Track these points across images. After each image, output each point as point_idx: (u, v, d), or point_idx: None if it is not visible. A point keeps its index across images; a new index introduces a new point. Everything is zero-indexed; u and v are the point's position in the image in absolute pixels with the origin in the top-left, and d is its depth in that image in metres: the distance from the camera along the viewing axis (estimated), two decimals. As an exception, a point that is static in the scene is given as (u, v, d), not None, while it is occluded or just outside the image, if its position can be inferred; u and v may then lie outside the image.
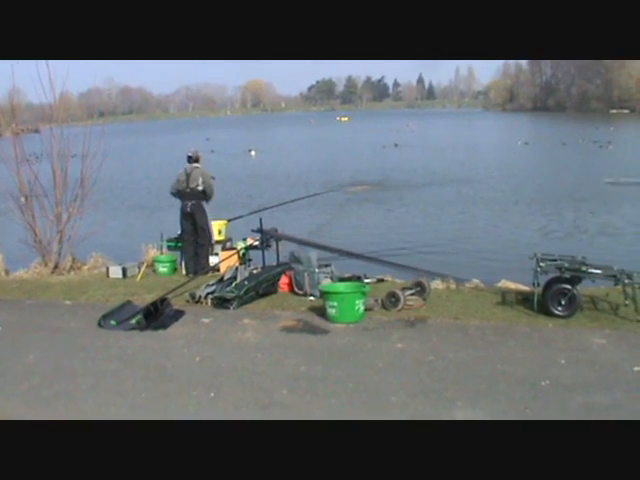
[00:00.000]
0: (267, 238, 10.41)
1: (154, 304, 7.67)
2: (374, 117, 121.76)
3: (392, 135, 57.52)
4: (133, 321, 7.41)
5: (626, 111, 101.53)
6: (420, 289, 7.95)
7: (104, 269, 10.34)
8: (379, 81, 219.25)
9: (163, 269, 10.23)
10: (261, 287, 8.37)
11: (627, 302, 7.12)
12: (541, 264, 7.29)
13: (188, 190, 9.98)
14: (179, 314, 7.69)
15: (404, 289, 7.91)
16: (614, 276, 7.10)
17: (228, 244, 10.68)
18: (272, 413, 5.02)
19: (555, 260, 7.42)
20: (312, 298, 8.23)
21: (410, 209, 20.50)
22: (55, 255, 10.67)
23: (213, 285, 8.44)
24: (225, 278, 8.60)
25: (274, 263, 9.57)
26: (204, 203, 10.11)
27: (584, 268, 7.21)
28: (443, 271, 9.42)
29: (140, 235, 13.47)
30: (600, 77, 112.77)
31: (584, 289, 7.50)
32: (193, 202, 9.97)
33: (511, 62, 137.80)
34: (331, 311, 7.27)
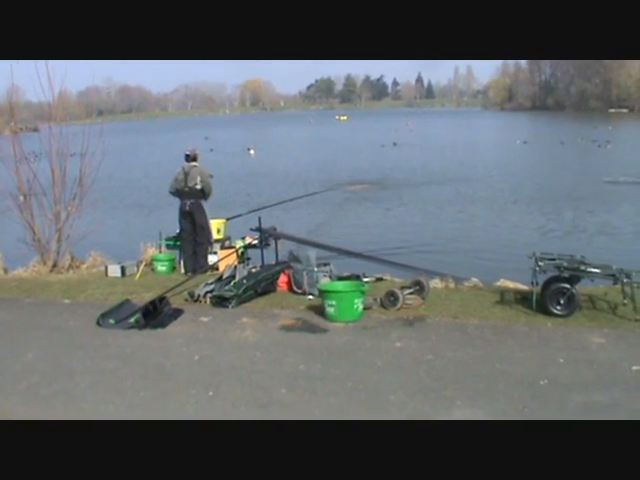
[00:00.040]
0: (266, 237, 10.40)
1: (153, 303, 7.67)
2: (373, 116, 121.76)
3: (391, 134, 57.52)
4: (132, 320, 7.41)
5: (625, 110, 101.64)
6: (419, 288, 7.95)
7: (103, 268, 10.34)
8: (378, 80, 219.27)
9: (162, 268, 10.23)
10: (260, 286, 8.37)
11: (626, 301, 7.13)
12: (540, 263, 7.31)
13: (187, 189, 9.97)
14: (178, 313, 7.70)
15: (403, 288, 7.92)
16: (613, 275, 7.11)
17: (227, 243, 10.68)
18: (271, 412, 5.02)
19: (554, 259, 7.43)
20: (311, 297, 8.23)
21: (409, 208, 20.51)
22: (54, 254, 10.67)
23: (212, 284, 8.44)
24: (224, 277, 8.60)
25: (273, 262, 9.57)
26: (203, 202, 10.10)
27: (583, 267, 7.22)
28: (442, 270, 9.43)
29: (139, 234, 13.48)
30: (599, 76, 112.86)
31: (583, 288, 7.51)
32: (192, 201, 9.97)
33: (510, 61, 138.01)
34: (330, 310, 7.27)
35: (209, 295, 8.20)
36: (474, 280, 8.73)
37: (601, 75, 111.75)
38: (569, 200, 20.81)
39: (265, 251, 10.32)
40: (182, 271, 10.08)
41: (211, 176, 10.21)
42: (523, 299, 7.69)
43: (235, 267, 8.81)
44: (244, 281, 8.23)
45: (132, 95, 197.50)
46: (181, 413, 5.04)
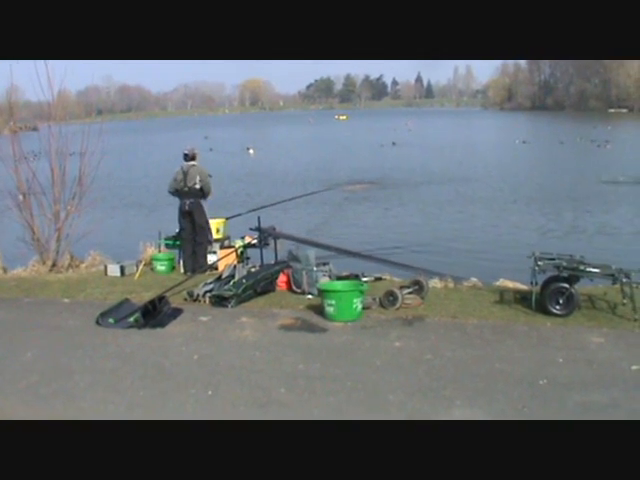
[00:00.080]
0: (265, 236, 10.41)
1: (152, 302, 7.67)
2: (372, 116, 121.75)
3: (390, 134, 57.49)
4: (131, 319, 7.40)
5: (624, 110, 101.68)
6: (418, 288, 7.96)
7: (102, 267, 10.34)
8: (377, 80, 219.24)
9: (161, 267, 10.22)
10: (259, 285, 8.38)
11: (625, 301, 7.14)
12: (539, 263, 7.31)
13: (186, 189, 9.96)
14: (177, 312, 7.70)
15: (402, 288, 7.92)
16: (612, 275, 7.12)
17: (226, 242, 10.68)
18: (270, 411, 5.03)
19: (553, 259, 7.44)
20: (310, 296, 8.23)
21: (408, 208, 20.52)
22: (53, 253, 10.66)
23: (211, 283, 8.44)
24: (223, 276, 8.61)
25: (272, 261, 9.57)
26: (202, 201, 10.10)
27: (582, 267, 7.22)
28: (441, 270, 9.43)
29: (138, 233, 13.49)
30: (599, 76, 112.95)
31: (582, 288, 7.51)
32: (191, 200, 9.96)
33: (510, 61, 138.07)
34: (329, 309, 7.27)
35: (208, 295, 8.20)
36: (473, 280, 8.73)
37: (600, 75, 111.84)
38: (568, 200, 20.82)
39: (264, 251, 10.33)
40: (181, 271, 10.08)
41: (210, 176, 10.21)
42: (522, 299, 7.69)
43: (234, 267, 8.82)
44: (243, 280, 8.24)
45: (131, 94, 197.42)
46: (180, 412, 5.05)
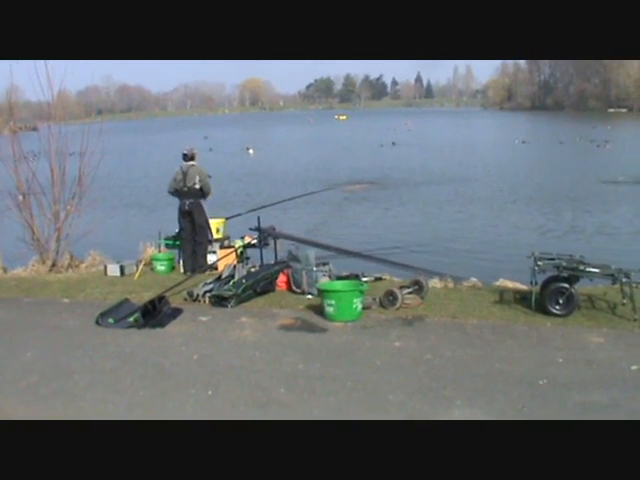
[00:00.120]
0: (265, 236, 10.41)
1: (152, 302, 7.67)
2: (372, 116, 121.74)
3: (390, 134, 57.49)
4: (131, 319, 7.40)
5: (624, 110, 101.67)
6: (418, 288, 7.96)
7: (102, 267, 10.34)
8: (377, 80, 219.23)
9: (161, 267, 10.22)
10: (259, 285, 8.37)
11: (625, 301, 7.14)
12: (539, 263, 7.31)
13: (185, 189, 9.96)
14: (177, 312, 7.70)
15: (402, 288, 7.92)
16: (612, 275, 7.11)
17: (226, 242, 10.68)
18: (270, 411, 5.02)
19: (553, 259, 7.43)
20: (310, 296, 8.23)
21: (408, 208, 20.51)
22: (53, 253, 10.66)
23: (211, 283, 8.44)
24: (223, 276, 8.61)
25: (272, 261, 9.57)
26: (202, 201, 10.10)
27: (582, 267, 7.22)
28: (441, 270, 9.43)
29: (138, 233, 13.48)
30: (598, 76, 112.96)
31: (582, 288, 7.51)
32: (191, 200, 9.96)
33: (509, 61, 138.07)
34: (329, 309, 7.27)
35: (208, 294, 8.20)
36: (473, 280, 8.72)
37: (600, 75, 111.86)
38: (568, 200, 20.82)
39: (264, 250, 10.33)
40: (181, 270, 10.08)
41: (209, 177, 10.20)
42: (522, 299, 7.69)
43: (234, 267, 8.82)
44: (243, 280, 8.24)
45: (131, 94, 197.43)
46: (180, 412, 5.05)
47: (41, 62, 10.31)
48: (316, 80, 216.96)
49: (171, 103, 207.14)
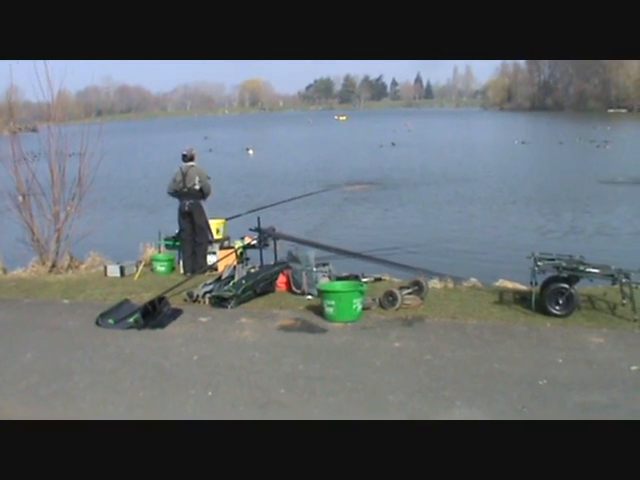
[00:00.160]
0: (265, 237, 10.41)
1: (152, 303, 7.67)
2: (372, 116, 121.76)
3: (390, 134, 57.49)
4: (131, 320, 7.40)
5: (624, 111, 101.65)
6: (418, 288, 7.96)
7: (102, 268, 10.34)
8: (377, 80, 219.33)
9: (161, 268, 10.22)
10: (259, 286, 8.37)
11: (624, 301, 7.13)
12: (539, 263, 7.31)
13: (185, 190, 9.95)
14: (177, 313, 7.70)
15: (402, 288, 7.92)
16: (612, 275, 7.11)
17: (226, 243, 10.68)
18: (270, 412, 5.02)
19: (553, 259, 7.43)
20: (310, 297, 8.23)
21: (408, 208, 20.52)
22: (53, 254, 10.66)
23: (211, 284, 8.44)
24: (223, 277, 8.60)
25: (272, 262, 9.57)
26: (202, 202, 10.10)
27: (582, 267, 7.22)
28: (441, 270, 9.43)
29: (138, 234, 13.47)
30: (598, 77, 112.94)
31: (582, 288, 7.51)
32: (191, 201, 9.95)
33: (509, 61, 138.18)
34: (329, 310, 7.27)
35: (208, 295, 8.20)
36: (473, 280, 8.72)
37: (600, 75, 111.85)
38: (568, 200, 20.82)
39: (264, 251, 10.33)
40: (181, 271, 10.08)
41: (208, 177, 10.19)
42: (522, 299, 7.69)
43: (234, 267, 8.81)
44: (243, 281, 8.23)
45: (131, 95, 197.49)
46: (180, 413, 5.05)
47: (41, 62, 10.34)
48: (316, 81, 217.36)
49: (171, 104, 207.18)
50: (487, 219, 18.18)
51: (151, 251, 10.83)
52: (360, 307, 7.31)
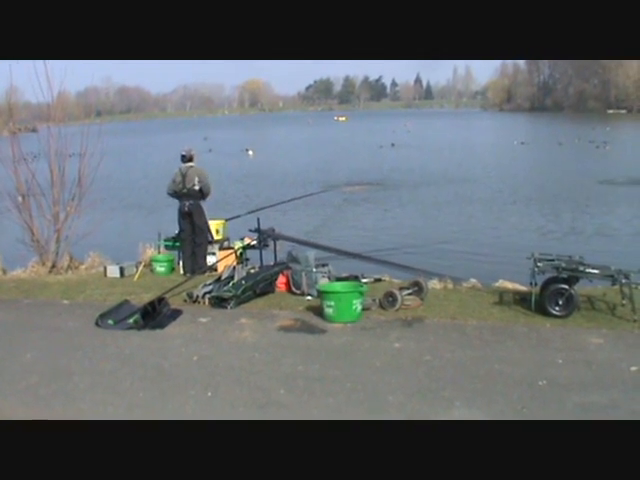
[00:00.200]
0: (264, 238, 10.40)
1: (152, 303, 7.67)
2: (372, 117, 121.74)
3: (389, 135, 57.49)
4: (131, 320, 7.40)
5: (623, 111, 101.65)
6: (417, 289, 7.96)
7: (102, 268, 10.34)
8: (377, 81, 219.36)
9: (161, 269, 10.22)
10: (258, 287, 8.37)
11: (624, 302, 7.13)
12: (538, 264, 7.31)
13: (185, 190, 9.95)
14: (176, 313, 7.70)
15: (401, 289, 7.92)
16: (611, 276, 7.12)
17: (225, 244, 10.68)
18: (269, 412, 5.02)
19: (552, 260, 7.43)
20: (309, 298, 8.23)
21: (407, 209, 20.52)
22: (52, 254, 10.66)
23: (210, 285, 8.44)
24: (222, 278, 8.60)
25: (272, 263, 9.57)
26: (202, 202, 10.10)
27: (581, 268, 7.22)
28: (440, 271, 9.42)
29: (138, 234, 13.46)
30: (597, 77, 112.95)
31: (581, 289, 7.51)
32: (191, 202, 9.95)
33: (509, 62, 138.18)
34: (328, 311, 7.27)
35: (208, 296, 8.20)
36: (473, 281, 8.72)
37: (599, 76, 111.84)
38: (567, 201, 20.82)
39: (264, 252, 10.32)
40: (181, 272, 10.08)
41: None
42: (522, 300, 7.69)
43: (234, 268, 8.82)
44: (243, 282, 8.23)
45: (131, 95, 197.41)
46: (180, 413, 5.05)
47: (41, 62, 10.34)
48: (315, 81, 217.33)
49: (170, 104, 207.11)
50: (487, 220, 18.17)
51: (151, 252, 10.84)
52: (360, 308, 7.31)
